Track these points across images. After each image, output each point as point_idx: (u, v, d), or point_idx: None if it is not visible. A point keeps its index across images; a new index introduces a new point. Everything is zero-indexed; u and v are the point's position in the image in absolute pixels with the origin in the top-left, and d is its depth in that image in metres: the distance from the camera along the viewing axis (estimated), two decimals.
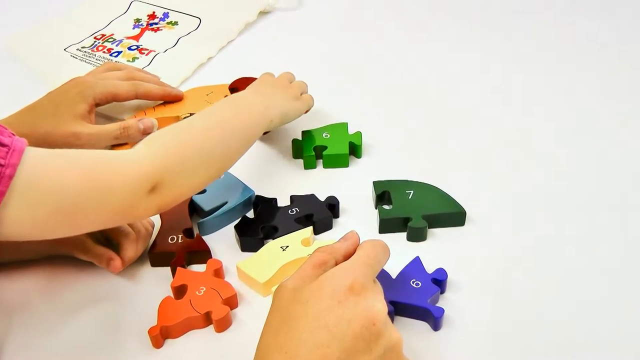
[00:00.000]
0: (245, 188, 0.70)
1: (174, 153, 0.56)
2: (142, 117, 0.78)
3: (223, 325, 0.58)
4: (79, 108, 0.73)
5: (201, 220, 0.67)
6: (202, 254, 0.64)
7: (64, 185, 0.49)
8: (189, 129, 0.60)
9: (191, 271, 0.62)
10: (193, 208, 0.69)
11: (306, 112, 0.76)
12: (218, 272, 0.62)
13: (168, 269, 0.63)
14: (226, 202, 0.68)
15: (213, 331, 0.58)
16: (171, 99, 0.83)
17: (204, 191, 0.70)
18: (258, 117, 0.67)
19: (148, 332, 0.57)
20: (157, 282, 0.63)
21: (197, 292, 0.59)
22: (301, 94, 0.76)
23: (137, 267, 0.65)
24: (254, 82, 0.74)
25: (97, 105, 0.77)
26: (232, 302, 0.60)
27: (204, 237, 0.66)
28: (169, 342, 0.58)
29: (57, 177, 0.49)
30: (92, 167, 0.51)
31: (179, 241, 0.65)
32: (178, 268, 0.62)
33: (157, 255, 0.64)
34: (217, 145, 0.61)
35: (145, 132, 0.77)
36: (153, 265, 0.65)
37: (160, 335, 0.57)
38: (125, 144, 0.76)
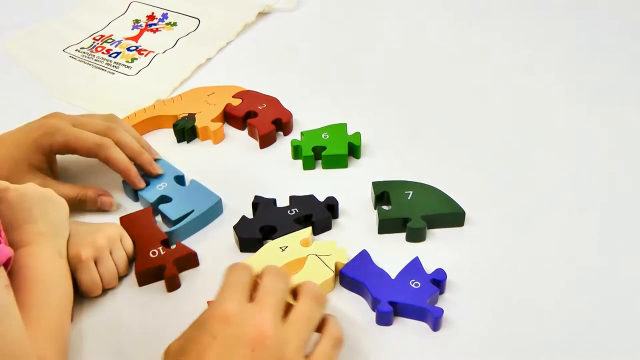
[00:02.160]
0: (211, 194, 0.69)
1: None
2: (103, 195, 0.70)
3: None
4: (35, 158, 0.68)
5: (169, 229, 0.66)
6: (189, 258, 0.64)
7: None
8: None
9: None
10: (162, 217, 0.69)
11: None
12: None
13: (154, 286, 0.63)
14: (193, 210, 0.68)
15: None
16: (130, 180, 0.70)
17: (169, 200, 0.69)
18: None
19: None
20: (152, 300, 0.62)
21: None
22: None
23: (123, 292, 0.63)
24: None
25: (56, 153, 0.70)
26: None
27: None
28: None
29: None
30: None
31: (162, 253, 0.63)
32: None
33: (145, 272, 0.63)
34: None
35: (101, 209, 0.70)
36: (141, 284, 0.63)
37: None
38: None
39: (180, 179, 0.72)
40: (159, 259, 0.63)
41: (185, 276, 0.64)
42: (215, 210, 0.69)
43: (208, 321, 0.47)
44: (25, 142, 0.68)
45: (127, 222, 0.67)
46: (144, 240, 0.65)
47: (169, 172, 0.73)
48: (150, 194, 0.70)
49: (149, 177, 0.72)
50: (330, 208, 0.68)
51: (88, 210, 0.70)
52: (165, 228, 0.68)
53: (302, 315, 0.48)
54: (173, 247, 0.64)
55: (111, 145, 0.69)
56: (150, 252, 0.63)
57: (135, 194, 0.71)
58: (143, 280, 0.63)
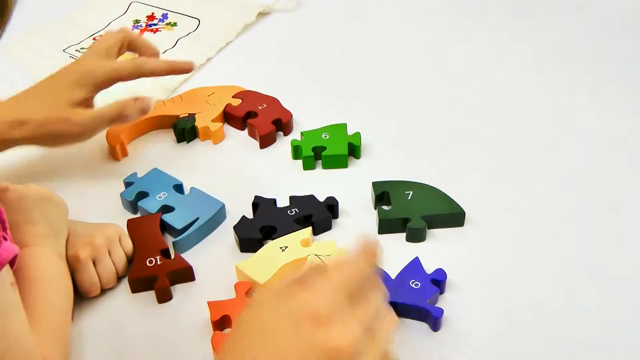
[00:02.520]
0: (214, 200, 0.69)
1: None
2: (138, 97, 0.71)
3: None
4: (76, 95, 0.69)
5: (175, 239, 0.66)
6: (183, 272, 0.63)
7: None
8: None
9: (224, 301, 0.59)
10: (164, 228, 0.67)
11: None
12: (249, 293, 0.60)
13: (147, 294, 0.63)
14: (197, 218, 0.67)
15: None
16: (179, 71, 0.78)
17: (172, 209, 0.68)
18: None
19: None
20: (151, 300, 0.62)
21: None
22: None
23: (122, 292, 0.63)
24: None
25: (99, 89, 0.72)
26: None
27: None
28: None
29: None
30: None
31: (158, 263, 0.63)
32: (208, 302, 0.59)
33: (138, 280, 0.62)
34: None
35: (143, 112, 0.71)
36: (134, 291, 0.62)
37: None
38: None
39: (179, 188, 0.71)
40: (154, 269, 0.62)
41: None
42: (219, 216, 0.68)
43: (298, 309, 0.43)
44: (65, 82, 0.70)
45: (133, 225, 0.67)
46: (145, 247, 0.64)
47: (167, 181, 0.72)
48: (151, 204, 0.69)
49: (148, 186, 0.71)
50: (330, 208, 0.68)
51: (131, 121, 0.71)
52: (169, 238, 0.67)
53: (385, 333, 0.45)
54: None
55: (146, 61, 0.75)
56: (147, 261, 0.63)
57: (134, 206, 0.70)
58: (135, 288, 0.62)
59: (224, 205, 0.69)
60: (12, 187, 0.60)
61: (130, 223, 0.67)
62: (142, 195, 0.70)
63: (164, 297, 0.61)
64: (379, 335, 0.45)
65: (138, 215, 0.70)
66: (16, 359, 0.47)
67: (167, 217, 0.67)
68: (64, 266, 0.60)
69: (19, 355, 0.47)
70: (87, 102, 0.71)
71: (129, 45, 0.75)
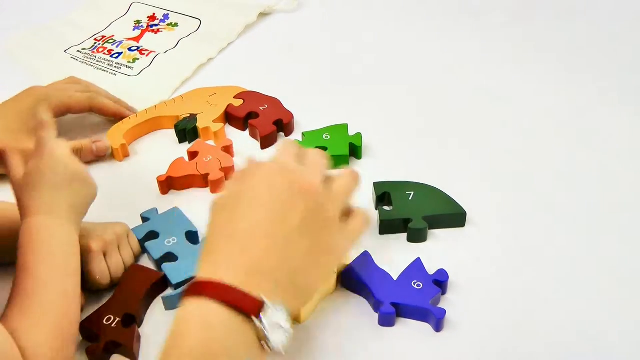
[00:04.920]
0: None
1: None
2: (97, 140, 0.75)
3: (216, 187, 0.71)
4: (32, 124, 0.66)
5: (165, 295, 0.61)
6: (124, 349, 0.57)
7: None
8: None
9: (206, 144, 0.76)
10: (164, 281, 0.62)
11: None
12: (228, 149, 0.74)
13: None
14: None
15: (209, 192, 0.72)
16: (123, 114, 0.80)
17: (176, 259, 0.62)
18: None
19: (157, 179, 0.71)
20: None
21: (204, 159, 0.73)
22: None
23: None
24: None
25: (54, 116, 0.70)
26: (228, 171, 0.71)
27: None
28: (172, 192, 0.72)
29: None
30: None
31: (112, 326, 0.57)
32: (197, 140, 0.77)
33: (85, 328, 0.57)
34: None
35: (98, 155, 0.75)
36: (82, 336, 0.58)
37: (166, 184, 0.71)
38: None
39: (193, 236, 0.65)
40: (102, 328, 0.57)
41: None
42: None
43: (268, 164, 0.53)
44: (18, 112, 0.71)
45: (132, 270, 0.63)
46: (117, 301, 0.60)
47: (182, 225, 0.65)
48: (157, 249, 0.64)
49: (161, 227, 0.66)
50: None
51: (86, 162, 0.69)
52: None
53: (342, 185, 0.55)
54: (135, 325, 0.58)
55: (99, 95, 0.79)
56: (106, 318, 0.58)
57: (141, 244, 0.65)
58: (83, 334, 0.58)
59: None
60: (48, 149, 0.58)
61: (133, 267, 0.63)
62: (152, 235, 0.65)
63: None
64: (336, 189, 0.53)
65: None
66: None
67: (167, 267, 0.62)
68: (77, 245, 0.57)
69: None
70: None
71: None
